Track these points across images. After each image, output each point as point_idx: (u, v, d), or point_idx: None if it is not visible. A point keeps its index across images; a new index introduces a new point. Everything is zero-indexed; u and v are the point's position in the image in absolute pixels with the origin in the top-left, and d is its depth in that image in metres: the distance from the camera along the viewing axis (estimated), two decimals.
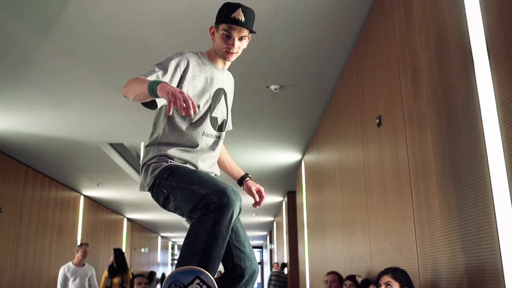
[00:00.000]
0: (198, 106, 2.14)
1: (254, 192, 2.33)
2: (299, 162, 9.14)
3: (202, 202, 1.82)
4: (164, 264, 24.39)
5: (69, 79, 5.35)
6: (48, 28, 4.21)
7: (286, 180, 10.89)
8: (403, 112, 3.29)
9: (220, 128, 2.25)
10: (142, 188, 2.23)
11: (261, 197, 2.34)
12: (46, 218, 9.63)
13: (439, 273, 2.73)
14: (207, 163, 2.22)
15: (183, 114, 1.69)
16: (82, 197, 11.70)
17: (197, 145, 2.16)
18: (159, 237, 22.91)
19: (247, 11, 2.12)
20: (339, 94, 5.55)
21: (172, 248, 25.65)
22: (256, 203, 2.33)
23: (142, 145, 12.17)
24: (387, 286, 2.67)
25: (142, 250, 18.35)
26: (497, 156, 2.11)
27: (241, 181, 2.41)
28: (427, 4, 2.83)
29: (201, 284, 1.65)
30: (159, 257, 22.91)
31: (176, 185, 1.98)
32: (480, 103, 2.23)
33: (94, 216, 12.72)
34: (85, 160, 8.79)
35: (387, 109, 3.65)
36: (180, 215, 2.08)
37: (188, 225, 2.25)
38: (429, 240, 2.87)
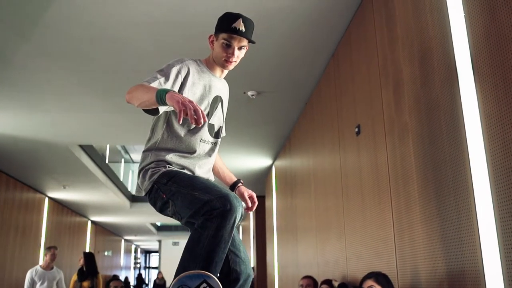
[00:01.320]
0: None
1: (247, 197, 2.40)
2: (270, 167, 9.23)
3: (205, 208, 1.86)
4: (127, 268, 24.04)
5: (44, 80, 5.28)
6: (27, 29, 4.16)
7: (255, 185, 10.96)
8: (383, 121, 3.41)
9: (217, 135, 2.30)
10: (138, 192, 2.25)
11: (253, 202, 2.41)
12: (10, 220, 9.38)
13: (418, 278, 2.85)
14: (203, 169, 2.27)
15: (193, 123, 1.73)
16: (47, 199, 11.45)
17: (194, 151, 2.20)
18: (123, 241, 22.59)
19: (247, 21, 2.18)
20: (315, 102, 5.67)
21: (135, 251, 25.31)
22: (248, 208, 2.39)
23: (108, 147, 12.06)
24: None
25: (106, 253, 18.06)
26: (480, 165, 2.23)
27: (233, 186, 2.47)
28: (411, 20, 2.96)
29: (206, 287, 1.69)
30: (122, 260, 22.58)
31: (176, 191, 2.02)
32: (464, 115, 2.36)
33: (58, 219, 12.46)
34: (54, 162, 8.63)
35: (367, 118, 3.77)
36: (178, 219, 2.11)
37: (187, 231, 2.28)
38: (409, 246, 2.99)
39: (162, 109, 2.03)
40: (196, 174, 2.20)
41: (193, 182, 2.02)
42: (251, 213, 12.93)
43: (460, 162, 2.39)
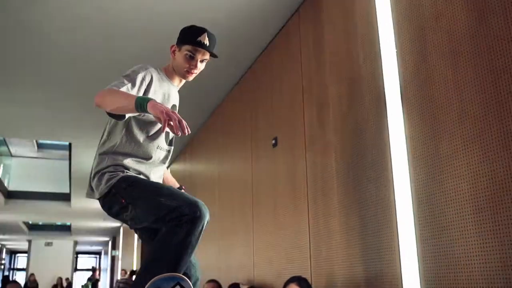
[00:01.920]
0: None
1: None
2: None
3: (173, 214, 1.93)
4: None
5: None
6: None
7: None
8: (304, 137, 3.68)
9: (170, 142, 2.37)
10: (90, 195, 2.24)
11: None
12: None
13: (334, 281, 3.14)
14: (156, 175, 2.32)
15: (178, 134, 1.80)
16: None
17: (150, 158, 2.25)
18: None
19: (211, 37, 2.29)
20: (225, 111, 5.84)
21: (0, 251, 23.31)
22: None
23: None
24: None
25: None
26: (403, 183, 2.57)
27: None
28: (341, 48, 3.26)
29: None
30: None
31: (138, 196, 2.05)
32: (390, 138, 2.69)
33: None
34: None
35: (285, 132, 4.02)
36: (134, 224, 2.14)
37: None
38: (325, 252, 3.27)
39: (129, 115, 2.05)
40: (150, 180, 2.25)
41: (156, 188, 2.08)
42: None
43: (383, 180, 2.71)
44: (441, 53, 2.38)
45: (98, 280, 11.67)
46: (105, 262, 24.44)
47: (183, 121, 1.81)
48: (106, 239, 21.66)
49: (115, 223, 16.63)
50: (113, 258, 18.93)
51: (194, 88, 5.47)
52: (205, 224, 1.96)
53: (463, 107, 2.23)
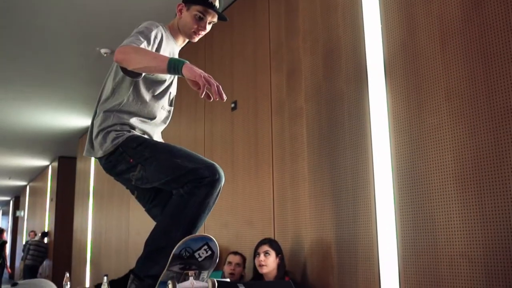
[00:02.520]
0: (165, 81, 2.19)
1: None
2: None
3: (190, 176, 1.92)
4: None
5: None
6: None
7: (60, 145, 10.33)
8: (270, 103, 3.74)
9: (171, 103, 2.32)
10: (90, 153, 2.16)
11: None
12: None
13: (301, 243, 3.29)
14: (158, 135, 2.29)
15: (216, 99, 1.78)
16: None
17: (154, 118, 2.20)
18: None
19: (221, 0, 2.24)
20: None
21: None
22: None
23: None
24: (266, 254, 3.10)
25: None
26: (383, 149, 2.73)
27: None
28: (318, 18, 3.32)
29: (207, 249, 1.79)
30: None
31: (150, 156, 2.01)
32: (370, 108, 2.83)
33: None
34: None
35: (248, 97, 4.05)
36: (137, 184, 2.10)
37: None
38: (292, 215, 3.40)
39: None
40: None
41: (169, 148, 2.05)
42: (49, 174, 12.10)
43: (362, 147, 2.86)
44: (430, 32, 2.53)
45: (5, 242, 11.04)
46: (4, 223, 23.12)
47: (220, 86, 1.79)
48: (7, 198, 20.43)
49: (21, 182, 15.73)
50: (15, 219, 17.94)
51: None
52: (222, 187, 1.98)
53: (451, 84, 2.40)
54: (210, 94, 1.83)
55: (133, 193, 2.31)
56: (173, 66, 1.80)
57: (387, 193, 2.69)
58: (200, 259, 1.78)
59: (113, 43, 5.32)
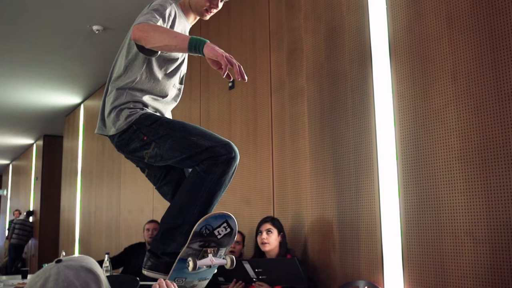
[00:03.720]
0: (177, 59, 2.17)
1: None
2: (76, 106, 8.71)
3: (206, 154, 1.93)
4: None
5: None
6: None
7: (45, 123, 10.18)
8: (270, 82, 3.74)
9: (181, 81, 2.32)
10: (102, 131, 2.15)
11: None
12: None
13: (302, 221, 3.33)
14: (169, 114, 2.28)
15: (238, 78, 1.77)
16: None
17: (166, 95, 2.20)
18: None
19: None
20: None
21: None
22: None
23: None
24: (268, 232, 3.13)
25: None
26: (387, 130, 2.77)
27: None
28: None
29: (226, 227, 1.81)
30: None
31: (165, 134, 2.00)
32: (374, 89, 2.86)
33: None
34: None
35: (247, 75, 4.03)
36: (151, 163, 2.10)
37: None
38: (292, 194, 3.43)
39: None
40: None
41: (184, 126, 2.04)
42: (34, 153, 11.95)
43: (365, 127, 2.90)
44: (437, 12, 2.55)
45: None
46: None
47: (241, 66, 1.79)
48: None
49: (3, 161, 15.50)
50: None
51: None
52: (237, 164, 1.99)
53: (457, 65, 2.44)
54: (231, 75, 1.83)
55: (143, 171, 2.31)
56: (194, 45, 1.79)
57: (391, 172, 2.74)
58: (219, 237, 1.80)
59: (106, 20, 5.24)
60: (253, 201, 3.84)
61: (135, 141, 2.06)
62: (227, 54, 1.76)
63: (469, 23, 2.40)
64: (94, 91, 7.86)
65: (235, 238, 3.50)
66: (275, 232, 3.15)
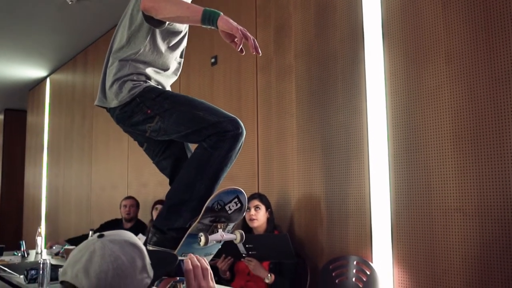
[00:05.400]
0: (181, 32, 2.13)
1: None
2: (41, 80, 8.41)
3: (214, 129, 1.91)
4: None
5: None
6: None
7: (7, 96, 9.80)
8: (256, 59, 3.72)
9: (182, 55, 2.28)
10: (103, 103, 2.10)
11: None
12: None
13: (287, 198, 3.37)
14: (168, 88, 2.24)
15: (253, 52, 1.75)
16: None
17: (168, 69, 2.16)
18: None
19: None
20: None
21: None
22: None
23: None
24: (256, 209, 3.16)
25: None
26: (378, 110, 2.81)
27: None
28: None
29: (237, 202, 1.81)
30: None
31: (170, 107, 1.97)
32: (366, 69, 2.89)
33: None
34: None
35: (230, 52, 4.00)
36: (153, 137, 2.07)
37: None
38: (278, 171, 3.46)
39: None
40: None
41: (190, 100, 2.01)
42: None
43: (356, 107, 2.93)
44: None
45: None
46: None
47: (255, 40, 1.78)
48: None
49: None
50: None
51: None
52: (243, 140, 1.99)
53: (451, 46, 2.49)
54: (243, 48, 1.81)
55: (141, 145, 2.27)
56: (208, 18, 1.76)
57: (381, 150, 2.79)
58: (229, 212, 1.80)
59: None
60: (237, 177, 3.84)
61: (138, 114, 2.02)
62: (241, 27, 1.74)
63: (464, 4, 2.45)
64: (61, 64, 7.61)
65: None
66: (263, 208, 3.18)
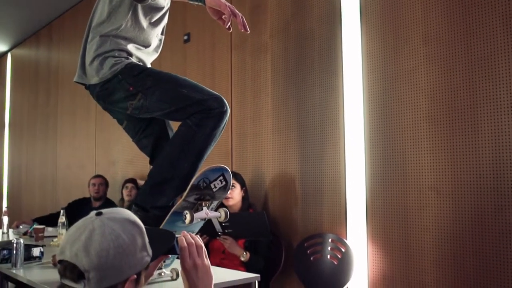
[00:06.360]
0: (163, 8, 2.09)
1: None
2: (2, 55, 8.09)
3: (198, 107, 1.89)
4: None
5: None
6: None
7: None
8: (230, 36, 3.68)
9: (163, 31, 2.24)
10: (83, 79, 2.04)
11: None
12: None
13: (261, 176, 3.38)
14: (149, 65, 2.20)
15: (242, 29, 1.73)
16: None
17: (149, 46, 2.12)
18: None
19: None
20: None
21: None
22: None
23: None
24: (232, 187, 3.15)
25: None
26: (355, 89, 2.84)
27: None
28: None
29: (222, 180, 1.80)
30: None
31: (153, 85, 1.94)
32: (343, 48, 2.91)
33: None
34: None
35: (203, 29, 3.94)
36: (135, 114, 2.03)
37: None
38: (252, 151, 3.46)
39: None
40: None
41: (173, 78, 1.98)
42: None
43: (332, 86, 2.96)
44: None
45: None
46: None
47: (243, 17, 1.76)
48: None
49: None
50: None
51: None
52: (228, 118, 1.98)
53: (429, 28, 2.53)
54: (230, 26, 1.79)
55: (121, 123, 2.23)
56: None
57: (357, 129, 2.83)
58: (214, 190, 1.80)
59: None
60: (210, 156, 3.81)
61: (119, 91, 1.98)
62: (229, 4, 1.72)
63: None
64: (23, 39, 7.33)
65: None
66: (238, 186, 3.18)
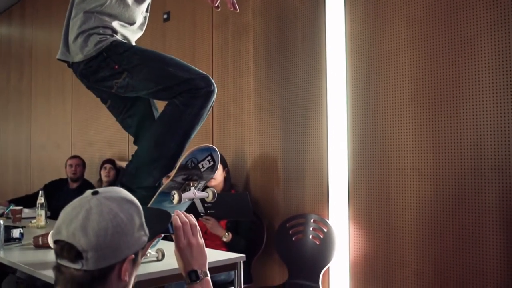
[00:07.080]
0: None
1: None
2: None
3: (185, 86, 1.87)
4: None
5: None
6: None
7: None
8: (212, 16, 3.64)
9: (147, 9, 2.19)
10: (66, 57, 1.99)
11: None
12: None
13: (243, 158, 3.38)
14: (134, 43, 2.16)
15: (231, 8, 1.71)
16: None
17: (134, 23, 2.08)
18: None
19: None
20: None
21: None
22: None
23: None
24: None
25: None
26: (338, 70, 2.85)
27: None
28: None
29: (210, 160, 1.79)
30: None
31: (139, 63, 1.90)
32: (326, 30, 2.91)
33: None
34: None
35: (183, 8, 3.88)
36: (120, 93, 1.99)
37: None
38: (234, 131, 3.45)
39: None
40: None
41: (160, 56, 1.95)
42: None
43: (316, 66, 2.95)
44: None
45: None
46: None
47: None
48: None
49: None
50: None
51: None
52: (215, 98, 1.96)
53: (412, 11, 2.54)
54: (219, 5, 1.76)
55: (105, 102, 2.18)
56: None
57: (340, 110, 2.84)
58: (202, 170, 1.79)
59: None
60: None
61: (104, 70, 1.94)
62: None
63: None
64: None
65: None
66: (220, 167, 3.17)
